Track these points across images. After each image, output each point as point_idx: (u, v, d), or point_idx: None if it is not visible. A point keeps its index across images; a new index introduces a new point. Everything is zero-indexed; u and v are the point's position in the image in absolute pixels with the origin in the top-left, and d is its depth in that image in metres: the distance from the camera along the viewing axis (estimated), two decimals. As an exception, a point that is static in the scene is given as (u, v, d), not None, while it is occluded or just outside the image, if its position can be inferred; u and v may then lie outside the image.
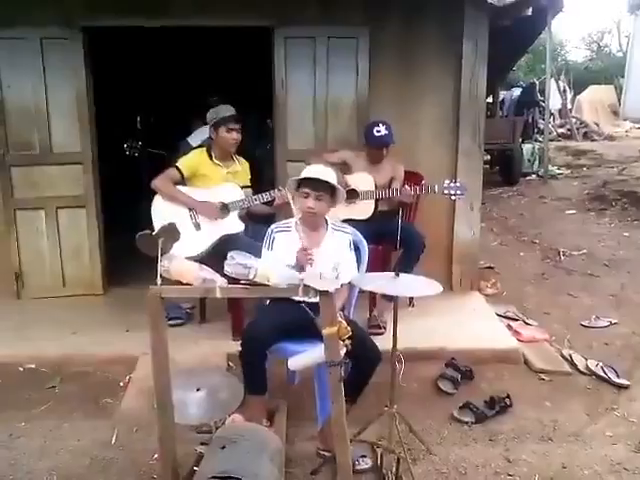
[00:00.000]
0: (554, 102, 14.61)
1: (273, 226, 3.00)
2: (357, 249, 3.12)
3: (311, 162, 4.07)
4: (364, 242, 3.23)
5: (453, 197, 3.95)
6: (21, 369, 3.65)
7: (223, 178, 3.95)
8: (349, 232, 3.03)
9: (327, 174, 2.85)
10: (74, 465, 2.81)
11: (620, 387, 3.50)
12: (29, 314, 4.39)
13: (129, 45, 6.44)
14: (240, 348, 2.82)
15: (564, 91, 16.59)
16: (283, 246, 2.90)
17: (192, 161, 3.94)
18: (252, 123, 4.75)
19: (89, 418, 3.20)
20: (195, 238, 3.75)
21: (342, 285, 2.85)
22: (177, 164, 3.91)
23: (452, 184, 3.89)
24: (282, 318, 2.81)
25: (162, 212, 3.79)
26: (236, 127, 3.92)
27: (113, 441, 2.99)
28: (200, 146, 5.12)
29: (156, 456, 2.76)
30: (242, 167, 4.10)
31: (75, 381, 3.55)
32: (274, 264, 2.35)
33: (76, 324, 4.13)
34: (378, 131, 3.98)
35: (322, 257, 2.83)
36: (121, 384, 3.50)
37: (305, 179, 2.82)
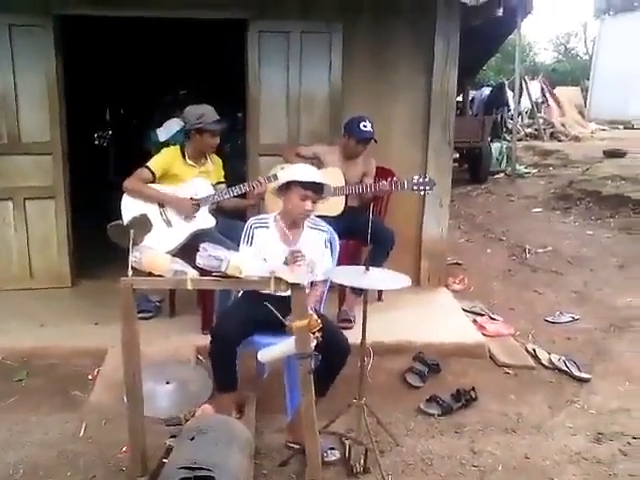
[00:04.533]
0: (524, 102, 14.87)
1: (251, 221, 3.00)
2: (329, 245, 3.15)
3: (286, 156, 4.12)
4: (336, 238, 3.26)
5: (422, 192, 4.00)
6: (-13, 362, 3.60)
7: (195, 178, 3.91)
8: (325, 230, 3.05)
9: (322, 176, 2.89)
10: (41, 458, 2.78)
11: (581, 380, 3.60)
12: (-5, 306, 4.31)
13: (99, 36, 6.37)
14: (209, 345, 2.83)
15: (542, 90, 16.86)
16: (262, 242, 2.92)
17: (164, 161, 3.85)
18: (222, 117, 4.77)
19: (57, 411, 3.17)
20: (166, 235, 3.71)
21: (316, 283, 2.89)
22: (148, 164, 3.81)
23: (421, 179, 3.93)
24: (252, 312, 2.81)
25: (131, 210, 3.71)
26: (219, 132, 3.88)
27: (81, 434, 2.97)
28: (166, 143, 5.10)
29: (125, 448, 2.75)
30: (215, 165, 4.06)
31: (43, 374, 3.51)
32: (246, 257, 2.37)
33: (44, 317, 4.08)
34: (365, 126, 3.99)
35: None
36: (90, 377, 3.47)
37: (307, 182, 2.82)
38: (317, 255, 2.91)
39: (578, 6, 47.30)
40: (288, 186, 2.86)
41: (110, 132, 8.25)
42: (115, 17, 4.47)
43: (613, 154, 10.72)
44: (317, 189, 2.86)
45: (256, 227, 2.96)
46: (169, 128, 5.73)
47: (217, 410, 2.74)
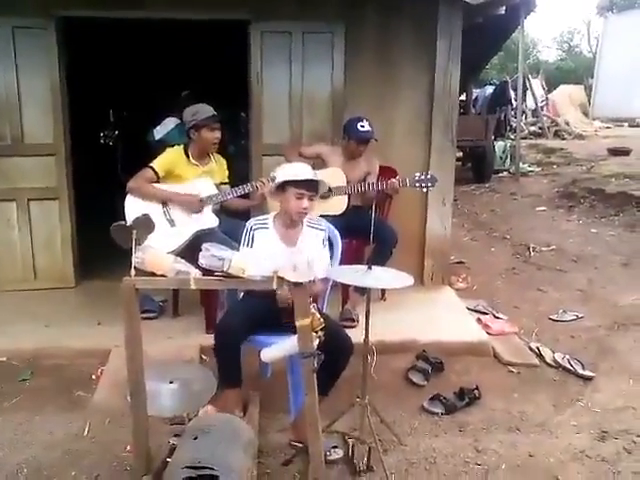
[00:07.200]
0: (527, 100, 14.84)
1: (251, 222, 3.01)
2: (331, 244, 3.15)
3: (288, 156, 4.12)
4: (338, 237, 3.27)
5: (424, 189, 4.00)
6: (-9, 362, 3.62)
7: (198, 178, 3.92)
8: (324, 228, 3.05)
9: (314, 173, 2.89)
10: (45, 458, 2.79)
11: (585, 379, 3.59)
12: (-1, 307, 4.33)
13: (103, 38, 6.38)
14: (214, 341, 2.84)
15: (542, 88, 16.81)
16: (262, 243, 2.92)
17: (168, 161, 3.87)
18: (225, 117, 4.80)
19: (61, 411, 3.18)
20: (170, 235, 3.72)
21: (315, 280, 2.88)
22: (152, 164, 3.83)
23: (422, 176, 3.93)
24: (255, 311, 2.83)
25: (135, 210, 3.72)
26: (217, 126, 3.89)
27: (85, 433, 2.98)
28: (163, 141, 5.14)
29: (128, 448, 2.77)
30: (218, 165, 4.06)
31: (47, 374, 3.52)
32: (249, 256, 2.37)
33: (48, 317, 4.09)
34: (362, 126, 4.01)
35: (298, 254, 2.86)
36: (93, 377, 3.48)
37: (300, 180, 2.83)
38: (315, 253, 2.91)
39: (581, 3, 47.23)
40: (283, 187, 2.87)
41: (116, 131, 8.33)
42: (118, 19, 4.47)
43: (617, 152, 10.71)
44: (311, 186, 2.86)
45: (256, 228, 2.97)
46: (165, 126, 5.78)
47: (221, 408, 2.75)
